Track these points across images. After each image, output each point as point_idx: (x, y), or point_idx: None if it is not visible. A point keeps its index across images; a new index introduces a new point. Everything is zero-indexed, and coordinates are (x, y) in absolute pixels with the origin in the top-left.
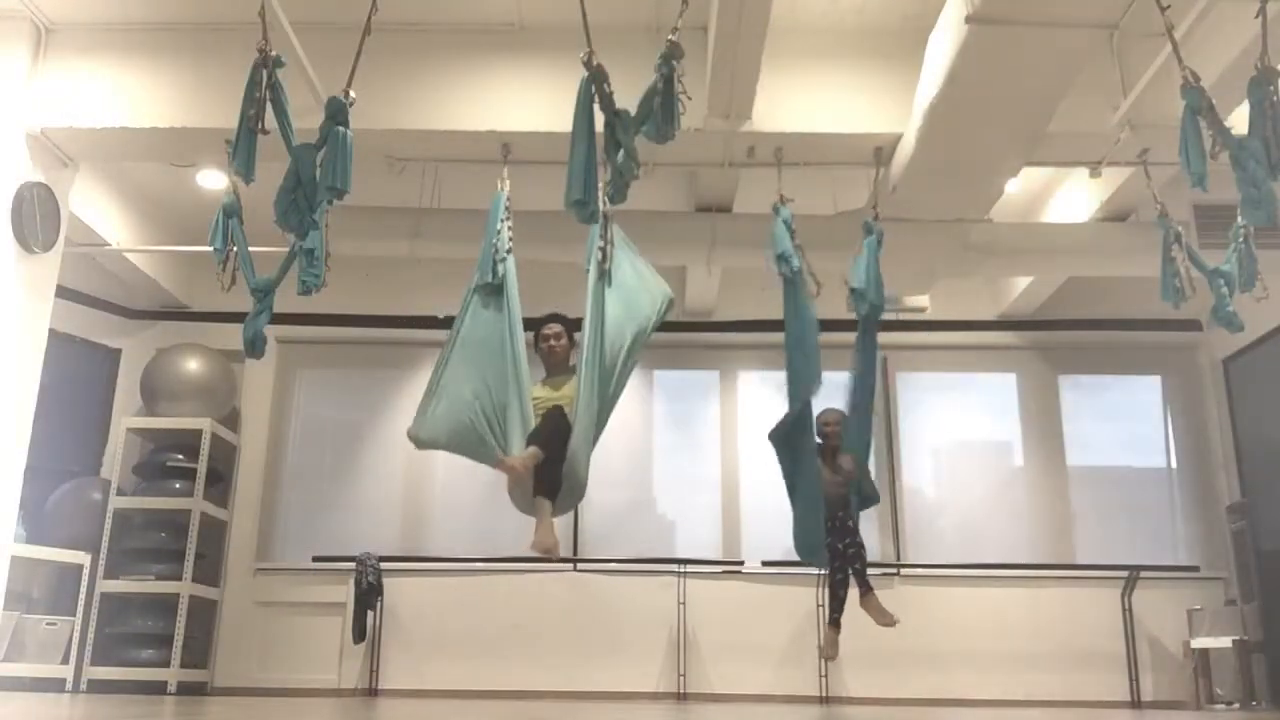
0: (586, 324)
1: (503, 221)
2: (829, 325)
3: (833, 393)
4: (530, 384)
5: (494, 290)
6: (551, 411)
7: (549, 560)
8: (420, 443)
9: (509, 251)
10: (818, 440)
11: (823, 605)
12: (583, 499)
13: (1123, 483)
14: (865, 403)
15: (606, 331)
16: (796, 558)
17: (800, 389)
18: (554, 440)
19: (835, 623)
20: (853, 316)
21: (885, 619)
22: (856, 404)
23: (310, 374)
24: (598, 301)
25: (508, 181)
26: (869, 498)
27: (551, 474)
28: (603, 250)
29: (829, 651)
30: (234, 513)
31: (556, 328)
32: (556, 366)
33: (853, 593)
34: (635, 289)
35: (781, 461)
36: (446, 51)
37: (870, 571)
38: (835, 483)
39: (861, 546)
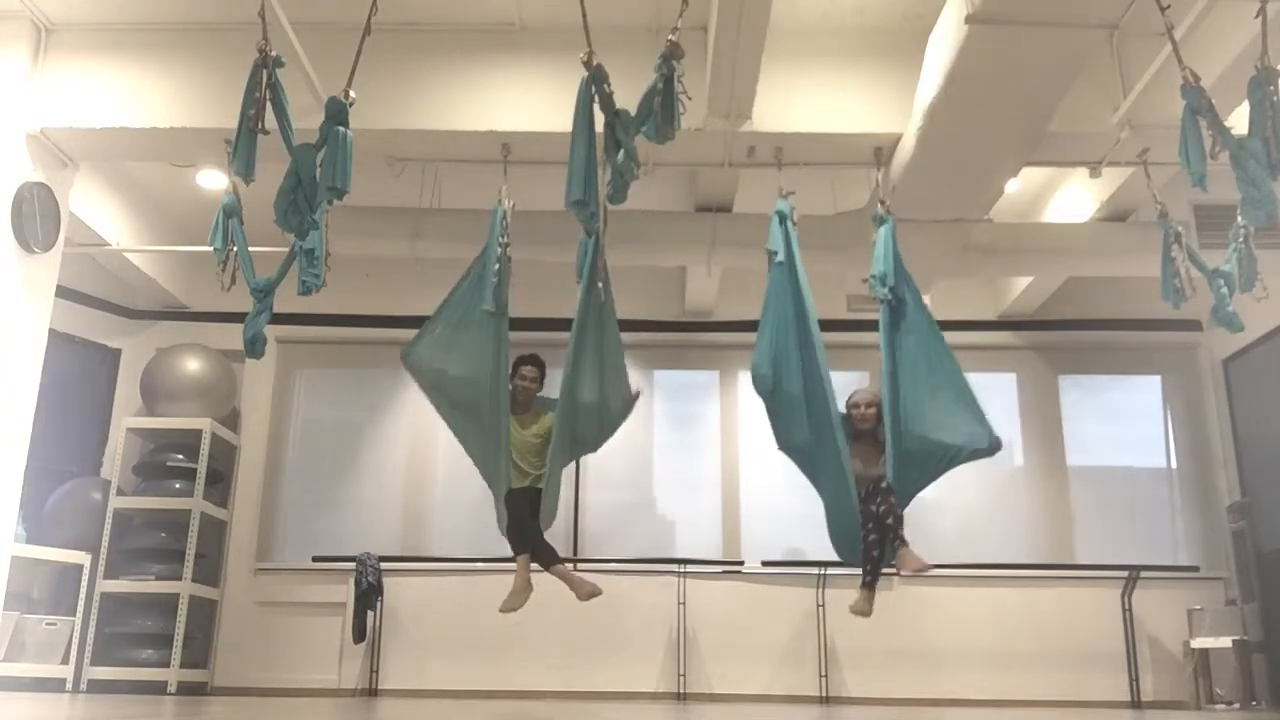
0: (570, 349)
1: (501, 244)
2: (828, 325)
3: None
4: (507, 416)
5: (490, 316)
6: (513, 501)
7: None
8: (410, 364)
9: (506, 284)
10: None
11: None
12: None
13: (1123, 483)
14: (911, 395)
15: (585, 374)
16: (796, 558)
17: (758, 371)
18: (530, 527)
19: (869, 585)
20: (851, 316)
21: (918, 565)
22: (897, 400)
23: (310, 374)
24: (582, 328)
25: (506, 188)
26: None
27: (546, 550)
28: (602, 288)
29: (861, 608)
30: (234, 513)
31: (534, 371)
32: (523, 405)
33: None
34: (605, 374)
35: (801, 466)
36: (446, 51)
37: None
38: (869, 466)
39: (893, 504)
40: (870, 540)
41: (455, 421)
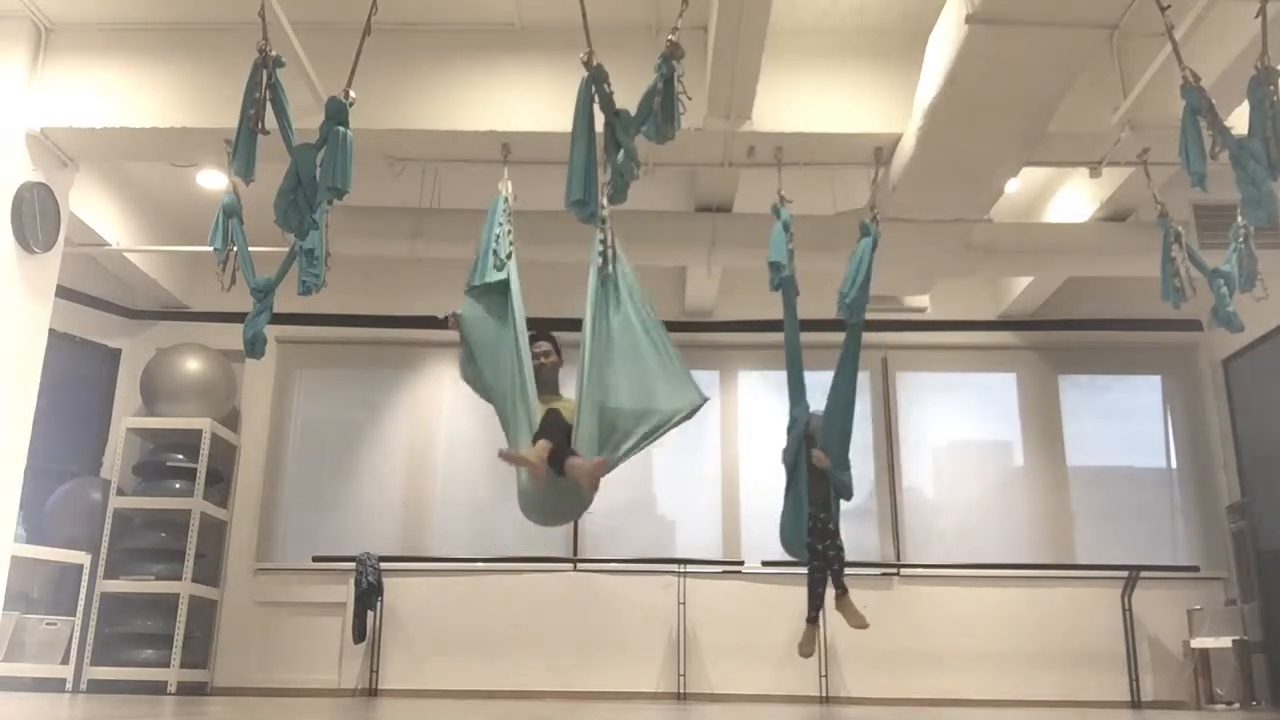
0: (586, 335)
1: (501, 225)
2: (828, 325)
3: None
4: (534, 391)
5: (495, 291)
6: (551, 413)
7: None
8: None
9: (509, 256)
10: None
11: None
12: (586, 509)
13: (1123, 483)
14: (847, 400)
15: (613, 362)
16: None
17: (795, 408)
18: (559, 434)
19: (814, 620)
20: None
21: (857, 621)
22: (843, 403)
23: (310, 374)
24: (600, 309)
25: (509, 182)
26: (842, 491)
27: (566, 451)
28: (603, 255)
29: (806, 649)
30: (234, 513)
31: (545, 346)
32: (547, 384)
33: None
34: (655, 363)
35: (788, 475)
36: (446, 51)
37: (870, 572)
38: (815, 478)
39: (840, 549)
40: (816, 578)
41: (494, 403)
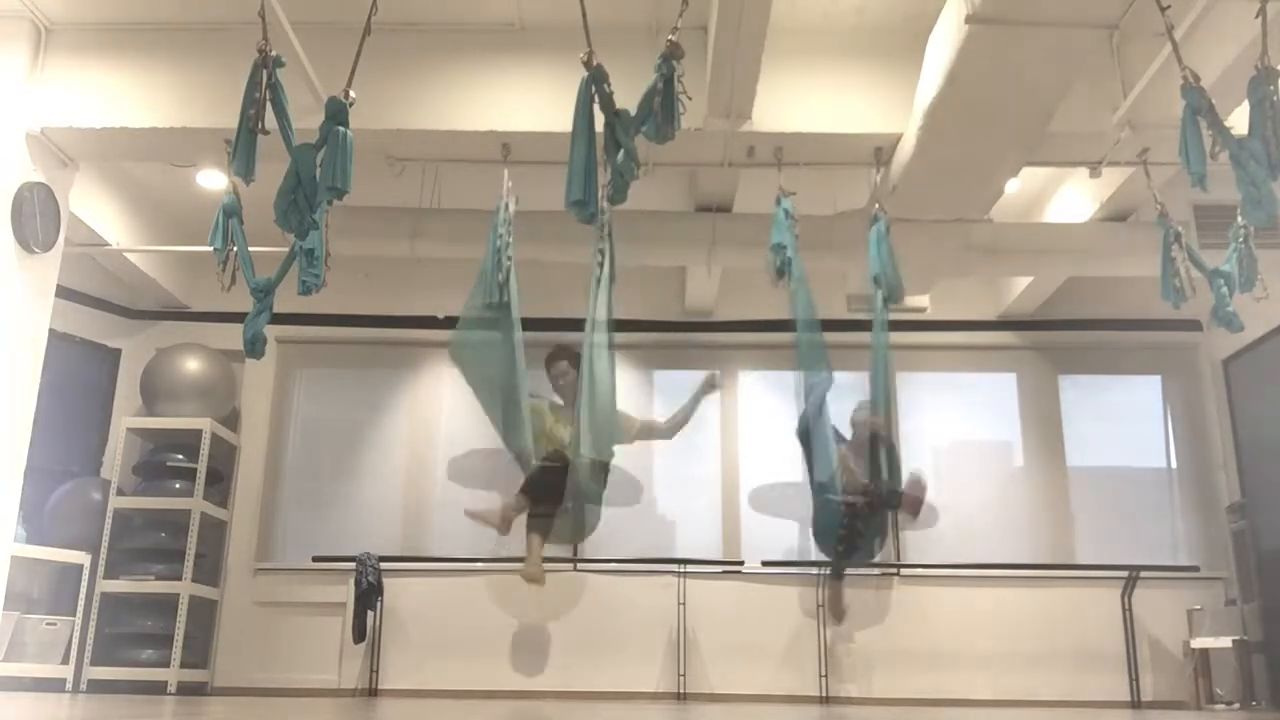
0: (586, 340)
1: (501, 239)
2: (828, 325)
3: (837, 393)
4: (528, 399)
5: (496, 309)
6: (552, 460)
7: (537, 584)
8: (452, 352)
9: (508, 273)
10: (845, 437)
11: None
12: (592, 532)
13: (1123, 483)
14: (885, 390)
15: (599, 371)
16: (796, 558)
17: (813, 375)
18: (545, 490)
19: (837, 576)
20: (851, 316)
21: (838, 612)
22: (883, 400)
23: (310, 374)
24: (595, 314)
25: (510, 184)
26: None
27: (544, 522)
28: (602, 252)
29: (836, 611)
30: (234, 513)
31: (563, 365)
32: (571, 401)
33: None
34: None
35: (805, 454)
36: (446, 51)
37: (870, 572)
38: (858, 455)
39: (876, 533)
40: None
41: (493, 413)
